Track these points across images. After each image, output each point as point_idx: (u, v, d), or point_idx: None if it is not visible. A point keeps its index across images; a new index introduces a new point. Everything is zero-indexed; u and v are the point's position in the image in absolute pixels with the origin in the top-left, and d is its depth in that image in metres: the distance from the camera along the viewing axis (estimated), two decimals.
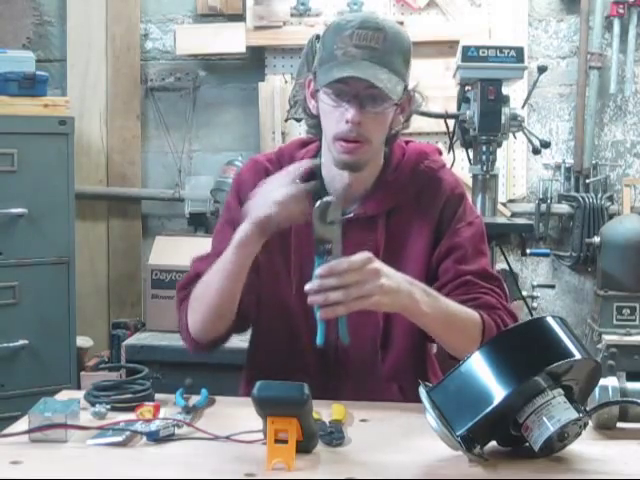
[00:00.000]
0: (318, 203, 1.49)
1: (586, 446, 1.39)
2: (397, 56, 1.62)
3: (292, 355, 1.74)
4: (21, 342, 3.12)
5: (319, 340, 1.53)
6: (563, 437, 1.32)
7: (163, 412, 1.52)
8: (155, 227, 3.80)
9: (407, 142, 1.79)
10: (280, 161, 1.78)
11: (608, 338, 3.11)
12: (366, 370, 1.74)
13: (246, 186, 1.76)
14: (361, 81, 1.58)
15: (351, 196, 1.73)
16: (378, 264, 1.49)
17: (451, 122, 2.93)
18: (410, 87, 1.68)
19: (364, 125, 1.61)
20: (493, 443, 1.36)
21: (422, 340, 1.74)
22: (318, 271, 1.46)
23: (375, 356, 1.74)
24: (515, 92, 3.29)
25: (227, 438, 1.41)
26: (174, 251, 3.32)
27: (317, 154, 1.77)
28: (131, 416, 1.48)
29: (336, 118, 1.62)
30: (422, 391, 1.33)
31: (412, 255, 1.72)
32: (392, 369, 1.75)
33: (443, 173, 1.77)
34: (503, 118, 2.78)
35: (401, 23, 3.49)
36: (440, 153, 1.81)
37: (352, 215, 1.71)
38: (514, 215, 3.55)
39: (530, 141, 2.91)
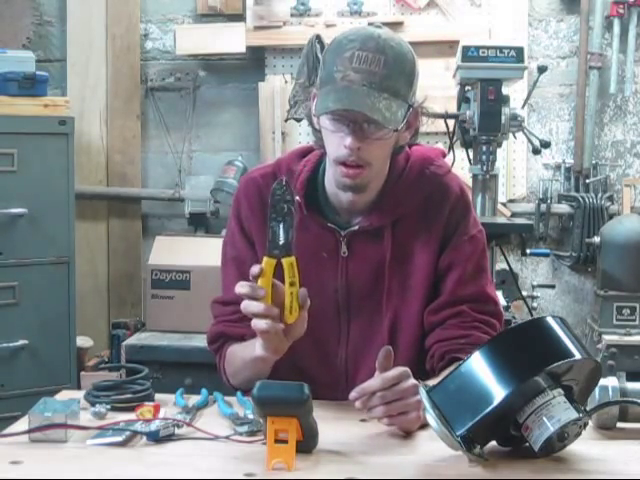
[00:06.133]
0: None
1: (586, 446, 1.39)
2: (398, 78, 1.57)
3: (293, 365, 1.70)
4: (21, 342, 3.12)
5: None
6: (563, 437, 1.32)
7: (163, 412, 1.52)
8: (155, 227, 3.80)
9: (411, 145, 1.75)
10: (277, 174, 1.74)
11: (608, 338, 3.10)
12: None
13: (244, 209, 1.75)
14: (357, 112, 1.54)
15: (355, 211, 1.71)
16: (413, 380, 1.46)
17: (451, 122, 2.93)
18: (417, 102, 1.64)
19: (364, 150, 1.58)
20: (493, 443, 1.36)
21: (426, 352, 1.73)
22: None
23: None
24: (515, 92, 3.29)
25: (227, 438, 1.42)
26: (174, 251, 3.32)
27: (318, 164, 1.73)
28: (131, 416, 1.48)
29: (336, 142, 1.60)
30: (422, 391, 1.33)
31: (419, 264, 1.70)
32: None
33: (449, 179, 1.73)
34: (503, 118, 2.78)
35: (401, 23, 3.50)
36: (444, 155, 1.78)
37: (357, 228, 1.70)
38: (514, 215, 3.55)
39: (530, 141, 2.91)
